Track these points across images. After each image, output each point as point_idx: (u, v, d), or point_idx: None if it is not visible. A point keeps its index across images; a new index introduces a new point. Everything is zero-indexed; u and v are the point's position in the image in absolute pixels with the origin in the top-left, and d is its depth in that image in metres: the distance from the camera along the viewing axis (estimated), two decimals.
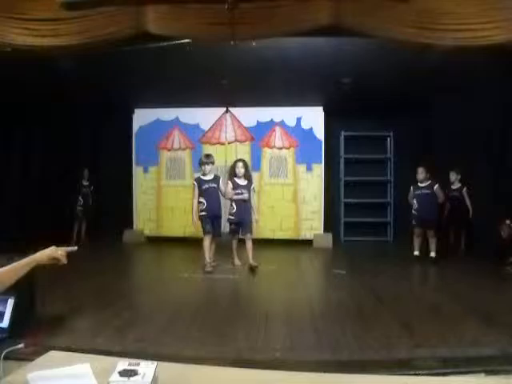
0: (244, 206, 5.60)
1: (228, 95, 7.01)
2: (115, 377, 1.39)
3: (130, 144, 8.23)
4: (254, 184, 6.04)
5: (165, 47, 4.27)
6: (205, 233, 5.48)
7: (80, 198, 7.90)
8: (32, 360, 1.74)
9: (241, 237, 5.69)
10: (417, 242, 6.24)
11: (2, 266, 2.52)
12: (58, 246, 1.86)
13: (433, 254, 6.06)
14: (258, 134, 8.01)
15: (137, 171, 8.27)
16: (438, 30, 3.38)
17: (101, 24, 3.52)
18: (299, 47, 5.13)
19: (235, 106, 7.92)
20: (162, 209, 8.17)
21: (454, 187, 6.87)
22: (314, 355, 2.78)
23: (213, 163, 5.66)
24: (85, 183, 7.99)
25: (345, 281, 5.06)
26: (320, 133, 7.93)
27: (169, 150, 8.19)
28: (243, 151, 7.82)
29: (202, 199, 5.48)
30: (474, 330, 3.16)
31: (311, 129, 7.94)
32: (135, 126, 8.23)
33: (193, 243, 6.85)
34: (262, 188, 7.87)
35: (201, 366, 1.75)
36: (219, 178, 5.71)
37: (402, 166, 7.98)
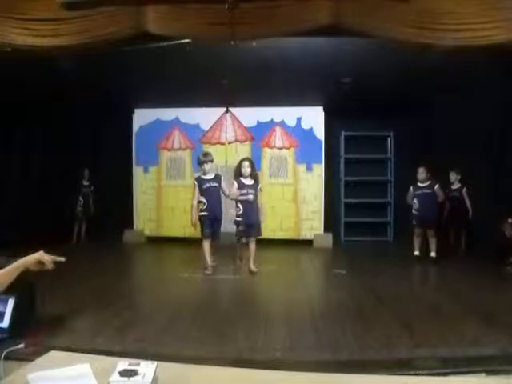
0: (250, 207, 5.32)
1: (228, 95, 7.01)
2: (115, 377, 1.39)
3: (130, 144, 8.23)
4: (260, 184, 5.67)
5: (165, 47, 4.27)
6: (204, 237, 5.34)
7: (80, 198, 7.91)
8: (32, 360, 1.73)
9: (244, 240, 5.39)
10: (417, 241, 6.23)
11: (2, 267, 2.52)
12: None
13: (433, 254, 6.06)
14: (258, 134, 8.01)
15: (137, 171, 8.27)
16: (438, 29, 3.38)
17: (101, 24, 3.52)
18: (299, 47, 5.13)
19: (235, 106, 7.92)
20: (162, 209, 8.17)
21: (453, 187, 6.87)
22: (314, 355, 2.78)
23: (212, 161, 5.51)
24: (85, 183, 8.00)
25: (345, 281, 5.06)
26: (320, 133, 7.93)
27: (169, 150, 8.19)
28: (243, 151, 7.81)
29: (202, 199, 5.34)
30: (474, 330, 3.16)
31: (311, 129, 7.94)
32: (135, 126, 8.23)
33: (193, 243, 6.84)
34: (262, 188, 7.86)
35: (201, 366, 1.75)
36: (220, 176, 5.56)
37: (402, 165, 7.97)
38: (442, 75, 5.69)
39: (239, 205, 5.34)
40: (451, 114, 7.11)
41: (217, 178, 5.45)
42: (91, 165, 8.20)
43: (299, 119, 7.96)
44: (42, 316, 3.26)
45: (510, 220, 5.56)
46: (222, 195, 5.53)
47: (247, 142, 8.03)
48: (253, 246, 5.36)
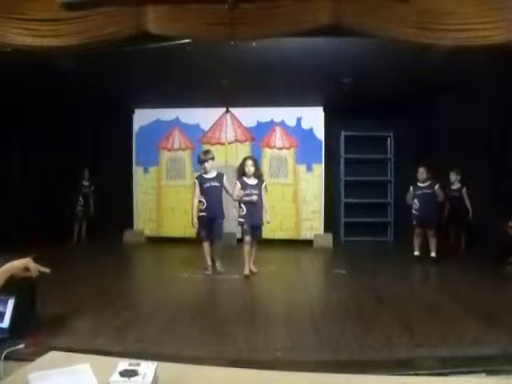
0: (254, 208, 5.13)
1: (228, 95, 7.01)
2: (116, 377, 1.39)
3: (131, 144, 8.23)
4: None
5: (165, 47, 4.27)
6: (200, 238, 5.25)
7: (80, 198, 7.92)
8: (32, 360, 1.73)
9: (248, 239, 5.17)
10: (417, 242, 6.23)
11: (3, 266, 2.51)
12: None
13: (433, 254, 6.06)
14: (259, 134, 8.01)
15: (137, 171, 8.27)
16: (438, 30, 3.37)
17: (101, 24, 3.52)
18: (299, 47, 5.13)
19: (235, 106, 7.93)
20: (162, 209, 8.17)
21: (453, 187, 6.87)
22: (314, 355, 2.78)
23: (213, 159, 5.33)
24: (85, 183, 8.01)
25: (345, 281, 5.06)
26: (320, 133, 7.93)
27: (169, 150, 8.19)
28: (243, 151, 7.80)
29: (202, 199, 5.20)
30: (474, 330, 3.16)
31: (311, 129, 7.94)
32: (135, 126, 8.23)
33: (193, 243, 6.85)
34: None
35: (201, 366, 1.75)
36: (223, 175, 5.36)
37: (402, 166, 7.98)
38: (442, 75, 5.69)
39: (242, 206, 5.15)
40: (451, 114, 7.11)
41: (218, 177, 5.30)
42: (91, 165, 8.20)
43: (299, 119, 7.96)
44: (42, 316, 3.26)
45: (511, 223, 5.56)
46: (225, 194, 5.38)
47: (247, 142, 8.03)
48: (254, 247, 5.26)
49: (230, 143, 8.01)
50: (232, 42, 3.70)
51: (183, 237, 7.82)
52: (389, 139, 8.52)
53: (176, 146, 8.17)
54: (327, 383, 1.62)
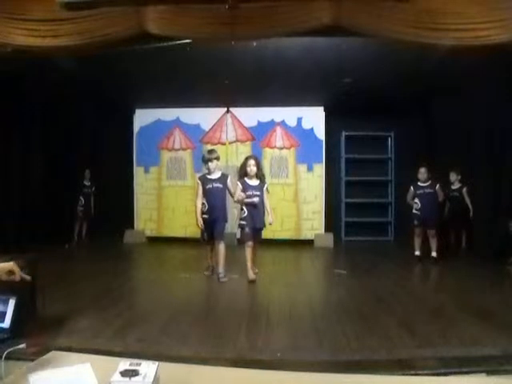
0: (256, 210, 4.93)
1: (229, 95, 7.02)
2: (116, 377, 1.39)
3: (131, 144, 8.24)
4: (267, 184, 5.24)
5: (165, 47, 4.27)
6: (203, 241, 5.16)
7: (81, 198, 7.93)
8: (33, 360, 1.74)
9: (250, 244, 4.97)
10: (417, 241, 6.23)
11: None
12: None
13: (434, 254, 6.06)
14: (259, 134, 8.01)
15: (138, 171, 8.28)
16: (438, 29, 3.38)
17: (101, 24, 3.52)
18: (299, 47, 5.13)
19: (236, 106, 7.93)
20: (162, 209, 8.18)
21: (454, 187, 6.89)
22: (314, 355, 2.77)
23: (217, 159, 5.10)
24: (86, 183, 8.02)
25: (346, 281, 5.06)
26: (321, 133, 7.93)
27: (170, 151, 8.19)
28: (244, 151, 7.81)
29: (204, 200, 5.00)
30: (475, 330, 3.16)
31: (312, 129, 7.94)
32: (136, 127, 8.24)
33: (193, 243, 6.85)
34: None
35: (202, 366, 1.75)
36: (227, 176, 5.14)
37: (402, 165, 7.98)
38: (443, 76, 5.70)
39: (244, 207, 4.96)
40: (451, 114, 7.11)
41: (222, 178, 5.07)
42: (92, 165, 8.21)
43: (300, 119, 7.96)
44: (43, 316, 3.27)
45: None
46: (228, 196, 5.18)
47: (248, 142, 8.03)
48: (255, 249, 5.10)
49: (230, 143, 8.02)
50: (232, 42, 3.71)
51: (184, 237, 7.83)
52: (389, 139, 8.53)
53: (177, 146, 8.18)
54: (327, 383, 1.62)
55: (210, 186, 5.01)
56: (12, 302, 2.84)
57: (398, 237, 8.29)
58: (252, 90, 6.58)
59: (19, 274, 1.85)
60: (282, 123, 7.99)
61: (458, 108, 6.90)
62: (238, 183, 5.00)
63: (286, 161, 8.00)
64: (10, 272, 1.83)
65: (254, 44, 4.83)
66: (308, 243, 7.73)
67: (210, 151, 5.28)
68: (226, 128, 8.05)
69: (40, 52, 3.74)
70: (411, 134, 7.96)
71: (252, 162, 5.01)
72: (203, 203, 5.00)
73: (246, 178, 5.01)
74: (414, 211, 6.20)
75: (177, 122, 8.15)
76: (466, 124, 6.76)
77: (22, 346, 2.47)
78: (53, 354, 1.78)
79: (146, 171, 8.26)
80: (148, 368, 1.45)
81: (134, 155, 8.25)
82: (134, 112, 8.20)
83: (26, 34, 3.57)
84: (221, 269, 4.96)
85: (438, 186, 6.11)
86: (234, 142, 8.03)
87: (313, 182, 7.95)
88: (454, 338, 3.01)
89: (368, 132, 8.27)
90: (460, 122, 6.90)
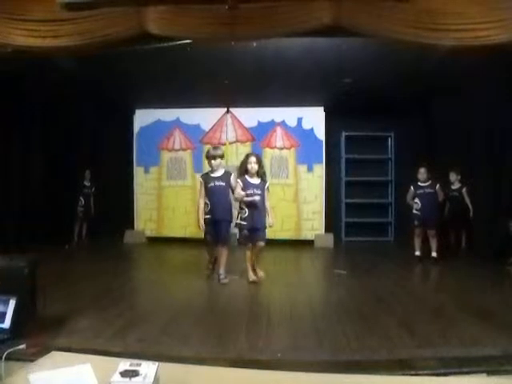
0: (256, 210, 4.74)
1: (229, 95, 7.01)
2: (117, 377, 1.40)
3: (131, 144, 8.24)
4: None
5: (165, 48, 4.27)
6: (205, 242, 4.97)
7: (81, 198, 7.93)
8: (33, 361, 1.74)
9: (249, 246, 4.88)
10: (418, 242, 6.22)
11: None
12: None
13: (434, 254, 6.05)
14: (259, 135, 8.01)
15: (138, 172, 8.28)
16: (438, 29, 3.38)
17: (101, 25, 3.52)
18: (300, 47, 5.13)
19: (236, 107, 7.93)
20: (162, 209, 8.17)
21: (453, 187, 6.89)
22: (314, 355, 2.77)
23: (221, 157, 4.89)
24: (86, 184, 8.02)
25: (346, 281, 5.06)
26: (321, 133, 7.93)
27: (170, 151, 8.19)
28: (244, 152, 7.79)
29: (206, 200, 4.81)
30: (475, 330, 3.15)
31: (312, 129, 7.94)
32: (136, 127, 8.24)
33: (194, 244, 6.85)
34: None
35: (202, 366, 1.76)
36: (230, 174, 4.91)
37: (402, 166, 7.98)
38: (443, 76, 5.69)
39: (244, 207, 4.77)
40: (451, 114, 7.11)
41: (225, 176, 4.86)
42: (92, 165, 8.20)
43: (300, 119, 7.96)
44: (43, 316, 3.26)
45: None
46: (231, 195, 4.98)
47: (248, 143, 8.03)
48: (257, 250, 4.84)
49: (230, 143, 8.01)
50: (232, 43, 3.71)
51: (184, 237, 7.84)
52: (389, 139, 8.53)
53: (177, 146, 8.18)
54: (327, 383, 1.62)
55: (212, 184, 4.83)
56: (12, 303, 2.84)
57: (398, 237, 8.28)
58: (252, 90, 6.58)
59: None
60: (282, 123, 7.99)
61: (458, 108, 6.90)
62: (239, 181, 4.81)
63: (286, 161, 8.00)
64: None
65: (254, 44, 4.83)
66: (308, 243, 7.73)
67: (216, 148, 5.07)
68: (226, 128, 8.05)
69: (40, 52, 3.74)
70: (411, 134, 7.95)
71: (253, 159, 4.82)
72: (205, 203, 4.82)
73: (246, 176, 4.83)
74: (414, 211, 6.20)
75: (177, 123, 8.14)
76: (466, 124, 6.76)
77: (22, 346, 2.47)
78: (53, 354, 1.78)
79: (146, 171, 8.26)
80: (148, 368, 1.45)
81: (134, 155, 8.24)
82: (134, 112, 8.20)
83: (26, 35, 3.57)
84: (221, 270, 4.90)
85: (438, 186, 6.12)
86: (234, 142, 8.03)
87: (313, 183, 7.95)
88: (454, 338, 3.01)
89: (368, 132, 8.27)
90: (460, 121, 6.89)
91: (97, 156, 8.59)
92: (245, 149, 7.92)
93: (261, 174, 4.88)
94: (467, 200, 6.74)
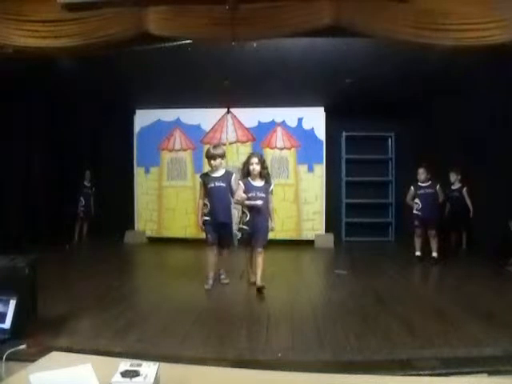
0: (259, 214, 4.46)
1: (229, 96, 7.01)
2: (117, 378, 1.39)
3: (132, 145, 8.24)
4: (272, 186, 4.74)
5: (166, 48, 4.27)
6: (207, 243, 4.67)
7: (81, 198, 7.94)
8: (34, 361, 1.74)
9: (250, 250, 4.70)
10: (418, 242, 6.22)
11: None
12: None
13: (434, 254, 6.05)
14: (260, 135, 8.01)
15: (138, 172, 8.28)
16: (438, 29, 3.38)
17: (101, 25, 3.53)
18: (300, 48, 5.14)
19: (236, 107, 7.93)
20: (163, 209, 8.17)
21: (454, 187, 6.89)
22: (315, 356, 2.77)
23: (221, 156, 4.65)
24: (86, 184, 8.03)
25: (346, 281, 5.06)
26: (321, 133, 7.93)
27: (170, 151, 8.19)
28: (244, 152, 7.80)
29: (206, 200, 4.60)
30: (476, 330, 3.15)
31: (312, 129, 7.94)
32: (136, 127, 8.24)
33: (194, 244, 6.85)
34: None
35: (203, 366, 1.76)
36: (231, 174, 4.71)
37: (403, 166, 7.97)
38: (443, 76, 5.70)
39: (246, 210, 4.50)
40: (451, 114, 7.11)
41: (226, 176, 4.65)
42: (92, 165, 8.21)
43: (300, 120, 7.96)
44: (43, 316, 3.26)
45: None
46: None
47: (248, 143, 8.03)
48: (260, 259, 4.51)
49: (231, 144, 8.01)
50: (233, 43, 3.71)
51: (184, 237, 7.84)
52: (390, 140, 8.53)
53: (177, 146, 8.18)
54: (328, 383, 1.62)
55: (212, 184, 4.60)
56: (12, 303, 2.85)
57: (398, 237, 8.28)
58: (252, 90, 6.58)
59: None
60: (283, 124, 7.99)
61: (458, 109, 6.90)
62: (241, 183, 4.52)
63: (287, 161, 8.00)
64: None
65: (255, 45, 4.83)
66: (308, 244, 7.73)
67: (216, 147, 4.79)
68: (227, 128, 8.05)
69: (41, 53, 3.75)
70: (411, 134, 7.95)
71: (255, 160, 4.50)
72: (205, 204, 4.62)
73: (249, 178, 4.54)
74: (414, 211, 6.19)
75: (177, 123, 8.14)
76: (466, 124, 6.76)
77: (23, 346, 2.47)
78: (53, 354, 1.78)
79: (147, 172, 8.25)
80: (149, 369, 1.45)
81: (134, 156, 8.24)
82: (135, 112, 8.19)
83: (26, 35, 3.58)
84: (222, 270, 4.90)
85: (438, 186, 6.12)
86: (235, 142, 8.03)
87: (313, 183, 7.95)
88: (455, 338, 3.01)
89: (368, 132, 8.26)
90: (460, 122, 6.90)
91: (97, 156, 8.59)
92: (245, 149, 7.92)
93: (264, 175, 4.57)
94: (467, 200, 6.75)
